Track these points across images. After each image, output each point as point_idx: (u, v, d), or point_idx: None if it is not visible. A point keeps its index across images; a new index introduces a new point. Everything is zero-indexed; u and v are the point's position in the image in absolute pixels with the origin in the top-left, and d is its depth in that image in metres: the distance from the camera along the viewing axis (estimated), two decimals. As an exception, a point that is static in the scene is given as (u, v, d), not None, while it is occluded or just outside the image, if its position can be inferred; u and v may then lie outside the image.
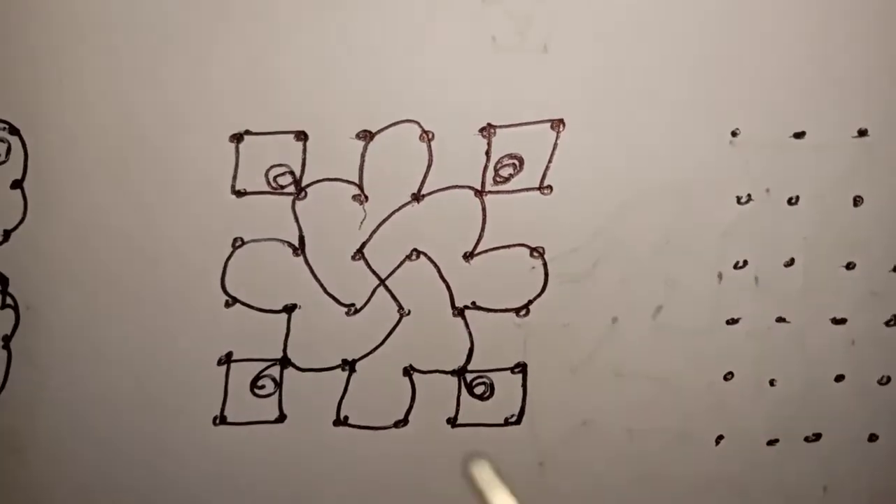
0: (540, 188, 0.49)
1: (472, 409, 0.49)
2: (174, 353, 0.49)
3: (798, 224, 0.49)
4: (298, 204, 0.50)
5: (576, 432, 0.49)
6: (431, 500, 0.50)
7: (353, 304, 0.50)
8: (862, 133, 0.49)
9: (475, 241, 0.49)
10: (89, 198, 0.50)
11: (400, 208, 0.49)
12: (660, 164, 0.49)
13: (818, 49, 0.48)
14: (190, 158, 0.50)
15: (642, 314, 0.49)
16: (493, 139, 0.49)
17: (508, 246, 0.49)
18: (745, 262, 0.49)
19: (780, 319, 0.49)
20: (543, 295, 0.49)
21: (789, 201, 0.49)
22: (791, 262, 0.49)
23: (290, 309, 0.50)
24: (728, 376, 0.49)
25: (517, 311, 0.49)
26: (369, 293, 0.49)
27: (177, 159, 0.50)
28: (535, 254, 0.49)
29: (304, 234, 0.50)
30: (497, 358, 0.49)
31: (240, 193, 0.50)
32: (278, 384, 0.50)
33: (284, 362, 0.50)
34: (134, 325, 0.49)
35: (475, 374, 0.49)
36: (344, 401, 0.49)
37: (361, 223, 0.50)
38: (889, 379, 0.49)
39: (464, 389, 0.49)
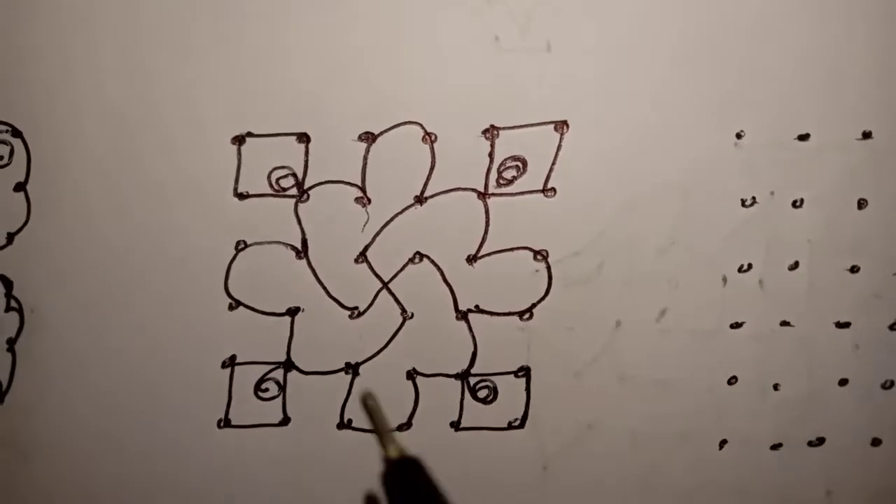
0: (543, 190, 0.49)
1: (475, 412, 0.49)
2: (178, 356, 0.50)
3: (802, 227, 0.48)
4: (301, 206, 0.50)
5: (579, 436, 0.49)
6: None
7: (356, 308, 0.50)
8: (866, 135, 0.48)
9: (478, 244, 0.49)
10: (92, 201, 0.50)
11: (403, 211, 0.49)
12: (664, 167, 0.48)
13: (823, 51, 0.48)
14: (192, 161, 0.50)
15: (646, 317, 0.49)
16: (497, 141, 0.49)
17: (512, 249, 0.49)
18: (750, 266, 0.49)
19: (784, 323, 0.49)
20: (547, 298, 0.49)
21: (794, 204, 0.48)
22: (795, 265, 0.49)
23: (293, 312, 0.50)
24: (732, 380, 0.49)
25: (521, 314, 0.49)
26: (372, 296, 0.49)
27: (179, 161, 0.50)
28: (539, 257, 0.49)
29: (307, 236, 0.50)
30: (500, 362, 0.49)
31: (242, 196, 0.50)
32: (282, 387, 0.50)
33: (288, 365, 0.50)
34: (138, 328, 0.50)
35: (478, 378, 0.49)
36: (347, 404, 0.49)
37: (364, 226, 0.49)
38: (893, 383, 0.49)
39: (467, 393, 0.49)
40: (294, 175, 0.49)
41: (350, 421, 0.49)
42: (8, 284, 0.50)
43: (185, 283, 0.49)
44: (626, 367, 0.49)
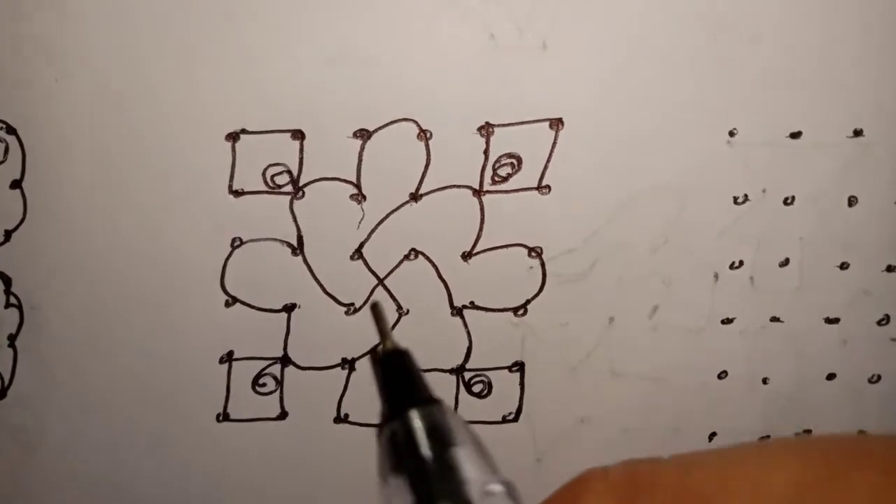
0: (538, 188, 0.49)
1: (470, 406, 0.50)
2: (176, 352, 0.50)
3: (793, 224, 0.49)
4: (296, 203, 0.50)
5: (573, 429, 0.50)
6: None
7: (352, 304, 0.50)
8: (857, 133, 0.49)
9: (473, 240, 0.50)
10: (88, 198, 0.50)
11: (398, 208, 0.50)
12: (658, 165, 0.49)
13: (815, 50, 0.48)
14: (187, 157, 0.50)
15: (639, 314, 0.50)
16: (492, 138, 0.49)
17: (506, 246, 0.50)
18: (741, 263, 0.49)
19: (775, 319, 0.49)
20: (541, 295, 0.50)
21: (785, 201, 0.49)
22: (786, 262, 0.49)
23: (289, 308, 0.50)
24: (722, 374, 0.50)
25: (515, 310, 0.50)
26: (368, 292, 0.50)
27: (175, 158, 0.49)
28: (533, 254, 0.50)
29: (303, 233, 0.50)
30: (495, 357, 0.50)
31: (237, 193, 0.50)
32: (279, 382, 0.50)
33: (285, 361, 0.50)
34: (136, 325, 0.50)
35: (473, 373, 0.50)
36: (344, 398, 0.50)
37: (360, 223, 0.50)
38: (879, 377, 0.50)
39: (462, 388, 0.50)
40: (289, 172, 0.50)
41: (347, 415, 0.50)
42: (7, 281, 0.50)
43: (182, 279, 0.50)
44: (618, 363, 0.50)
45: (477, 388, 0.50)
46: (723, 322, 0.49)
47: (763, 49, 0.48)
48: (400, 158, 0.49)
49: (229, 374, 0.50)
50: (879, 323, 0.49)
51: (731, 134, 0.49)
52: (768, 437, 0.50)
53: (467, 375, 0.50)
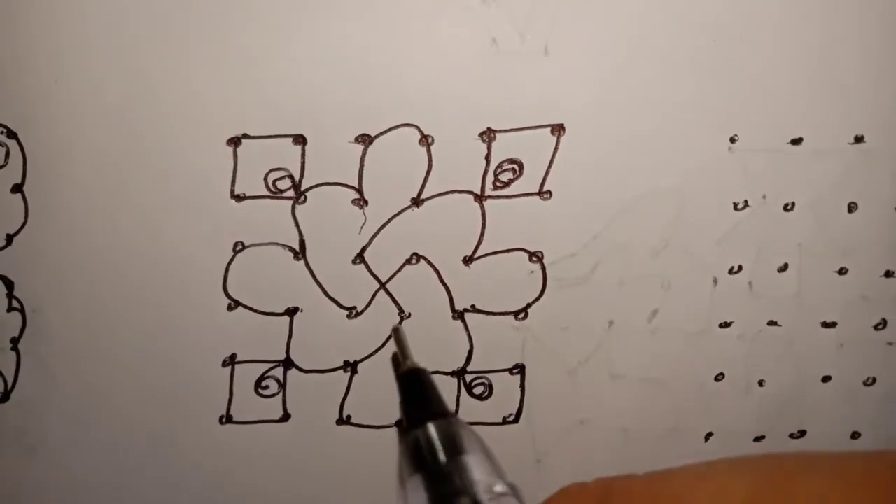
0: (539, 193, 0.49)
1: (471, 408, 0.51)
2: (179, 355, 0.50)
3: (793, 230, 0.49)
4: (298, 208, 0.50)
5: (572, 431, 0.51)
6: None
7: (354, 308, 0.50)
8: (858, 139, 0.49)
9: (475, 245, 0.50)
10: (90, 202, 0.50)
11: (400, 213, 0.50)
12: (659, 170, 0.49)
13: (817, 55, 0.48)
14: (189, 161, 0.50)
15: (638, 318, 0.50)
16: (493, 144, 0.49)
17: (508, 250, 0.50)
18: (740, 268, 0.50)
19: (772, 323, 0.50)
20: (542, 299, 0.50)
21: (785, 207, 0.49)
22: (785, 268, 0.50)
23: (291, 312, 0.50)
24: (719, 377, 0.50)
25: (516, 314, 0.50)
26: (370, 297, 0.50)
27: (176, 162, 0.49)
28: (534, 258, 0.50)
29: (305, 238, 0.50)
30: (496, 359, 0.51)
31: (239, 198, 0.50)
32: (282, 385, 0.51)
33: (287, 364, 0.51)
34: (139, 328, 0.50)
35: (474, 375, 0.51)
36: (346, 401, 0.51)
37: (361, 227, 0.50)
38: (874, 380, 0.50)
39: (463, 390, 0.51)
40: (291, 177, 0.50)
41: (349, 417, 0.51)
42: (9, 285, 0.50)
43: (185, 284, 0.50)
44: (617, 366, 0.50)
45: (478, 391, 0.51)
46: (721, 326, 0.50)
47: (764, 55, 0.48)
48: (402, 163, 0.49)
49: (232, 377, 0.51)
50: (876, 327, 0.50)
51: (732, 140, 0.49)
52: (763, 437, 0.51)
53: (468, 378, 0.51)
